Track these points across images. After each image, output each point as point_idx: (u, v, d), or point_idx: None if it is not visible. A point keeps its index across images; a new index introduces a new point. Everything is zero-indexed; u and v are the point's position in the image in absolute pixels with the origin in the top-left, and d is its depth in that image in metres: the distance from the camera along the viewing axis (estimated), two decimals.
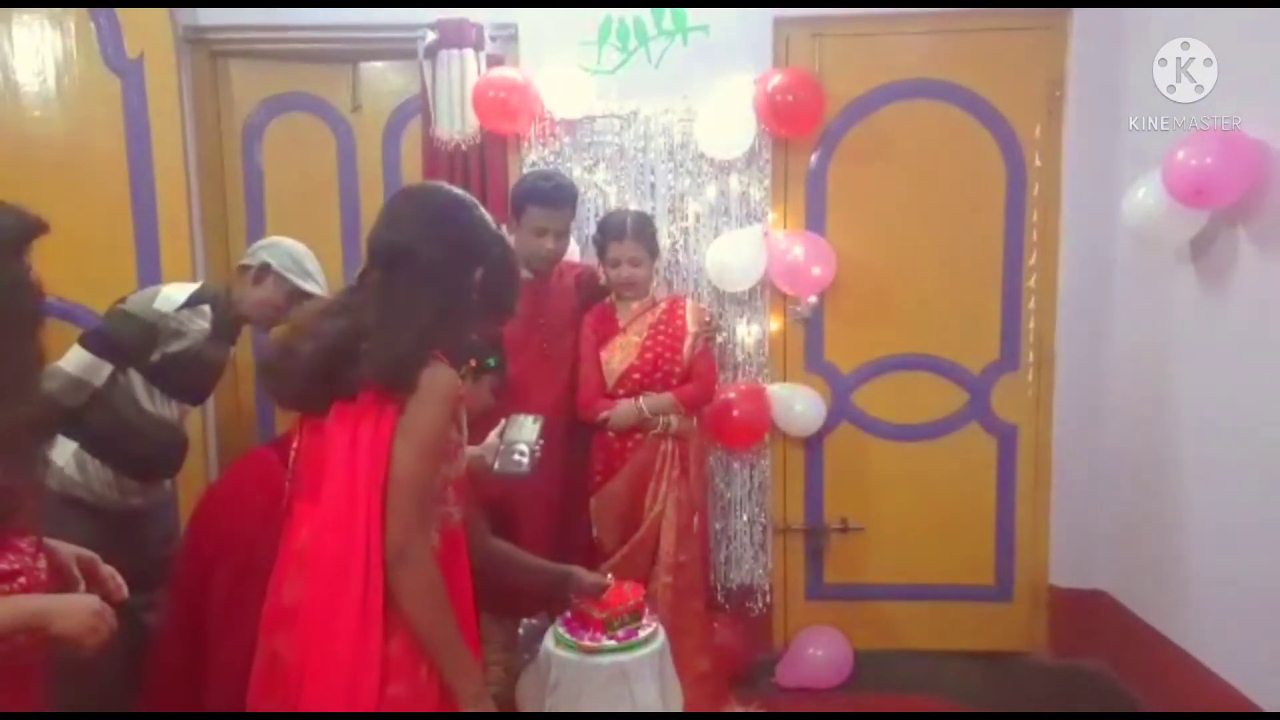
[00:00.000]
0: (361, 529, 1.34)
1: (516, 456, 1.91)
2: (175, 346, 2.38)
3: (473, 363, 2.17)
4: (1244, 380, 2.38)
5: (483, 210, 1.57)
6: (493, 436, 1.97)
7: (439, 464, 1.44)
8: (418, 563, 1.38)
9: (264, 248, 2.53)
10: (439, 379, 1.42)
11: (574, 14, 3.00)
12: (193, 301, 2.43)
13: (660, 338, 2.74)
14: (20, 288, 1.24)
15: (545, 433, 1.99)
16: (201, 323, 2.43)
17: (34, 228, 1.27)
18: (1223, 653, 2.48)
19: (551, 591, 2.35)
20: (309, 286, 2.50)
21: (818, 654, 3.03)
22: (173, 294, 2.42)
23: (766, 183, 3.07)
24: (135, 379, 2.37)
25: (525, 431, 1.97)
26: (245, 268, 2.51)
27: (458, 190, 1.60)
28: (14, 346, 1.24)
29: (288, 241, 2.56)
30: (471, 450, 1.87)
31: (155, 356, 2.36)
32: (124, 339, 2.34)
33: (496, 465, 1.92)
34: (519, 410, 2.64)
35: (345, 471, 1.36)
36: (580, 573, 2.32)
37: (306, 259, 2.54)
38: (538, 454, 1.94)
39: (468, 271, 1.50)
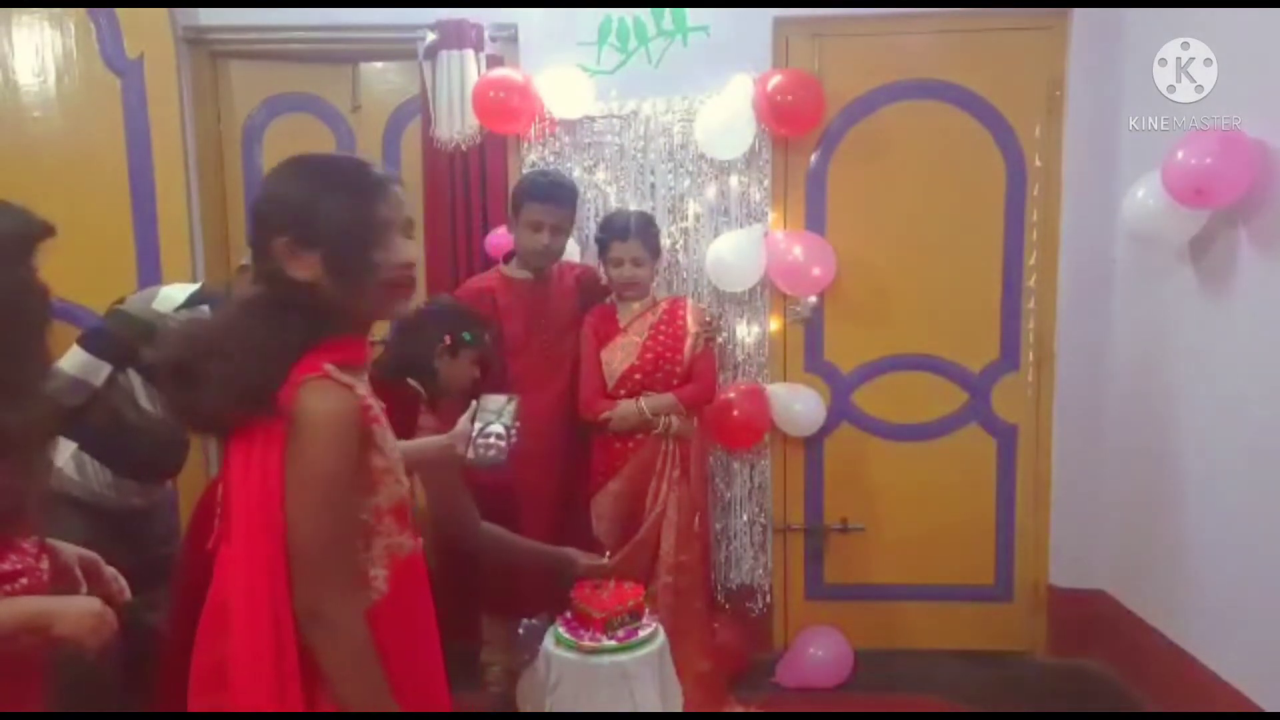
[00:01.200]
0: (263, 580, 1.16)
1: (492, 440, 1.75)
2: None
3: (447, 340, 2.16)
4: (1244, 380, 2.38)
5: (331, 163, 1.31)
6: (464, 422, 1.80)
7: (353, 504, 1.22)
8: (334, 628, 1.18)
9: None
10: (319, 405, 1.16)
11: (574, 14, 3.00)
12: (192, 302, 2.42)
13: (661, 338, 2.74)
14: (28, 291, 1.23)
15: (521, 413, 1.81)
16: None
17: (41, 230, 1.25)
18: (1223, 653, 2.48)
19: (550, 574, 2.35)
20: None
21: (818, 654, 3.03)
22: (172, 294, 2.42)
23: (766, 183, 3.07)
24: (134, 379, 2.37)
25: (499, 415, 1.79)
26: (245, 268, 2.52)
27: (307, 156, 1.32)
28: (22, 349, 1.23)
29: None
30: (436, 440, 1.80)
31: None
32: (123, 339, 2.34)
33: (470, 455, 1.76)
34: (523, 409, 2.66)
35: (242, 513, 1.18)
36: (576, 554, 2.33)
37: None
38: (514, 438, 1.78)
39: (307, 259, 1.21)
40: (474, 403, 1.83)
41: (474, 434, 1.78)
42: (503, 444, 1.76)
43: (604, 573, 2.31)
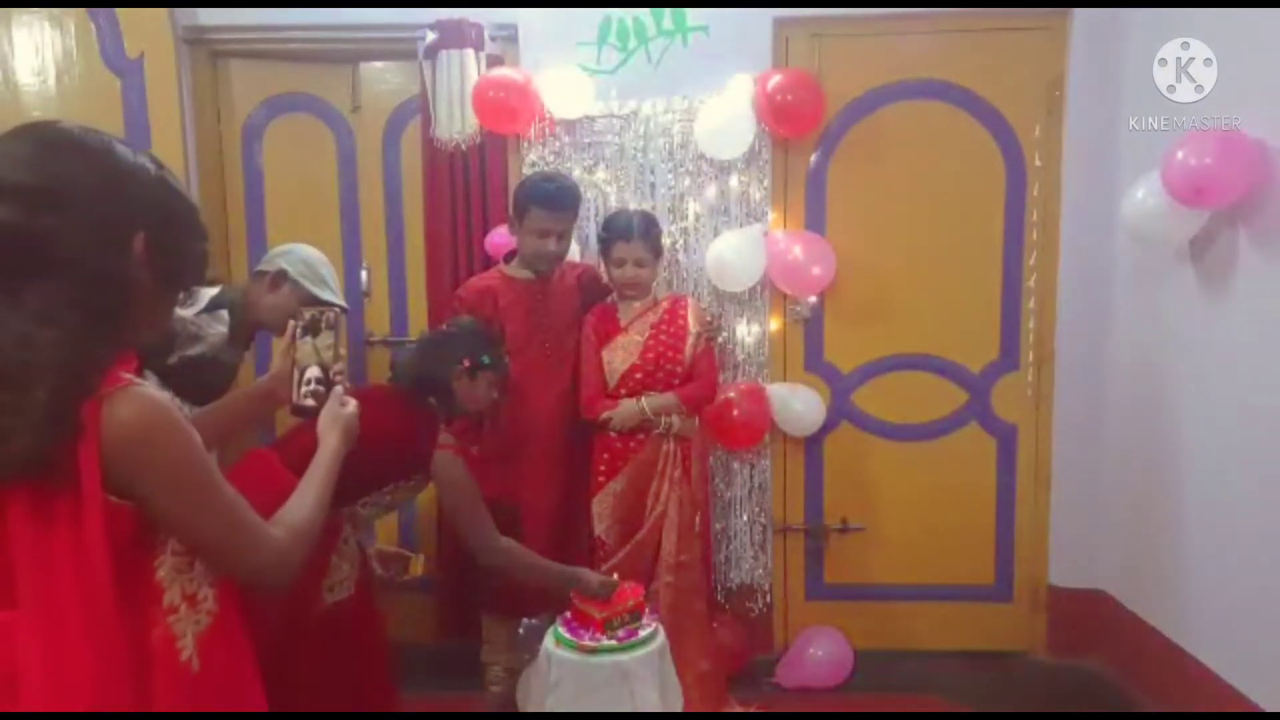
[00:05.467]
0: (71, 657, 0.98)
1: (314, 386, 1.47)
2: (192, 350, 2.39)
3: (465, 363, 2.16)
4: (1244, 380, 2.38)
5: (118, 145, 1.07)
6: (279, 359, 1.52)
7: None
8: (279, 582, 1.17)
9: (281, 254, 2.54)
10: (139, 408, 1.01)
11: (574, 14, 3.00)
12: (211, 306, 2.44)
13: (662, 337, 2.74)
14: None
15: (340, 337, 1.51)
16: (219, 327, 2.44)
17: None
18: (1223, 653, 2.48)
19: (558, 592, 2.36)
20: (325, 295, 2.51)
21: (818, 654, 3.03)
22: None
23: (766, 183, 3.07)
24: (151, 381, 2.37)
25: (318, 347, 1.49)
26: (261, 274, 2.53)
27: (71, 126, 1.06)
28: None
29: (304, 249, 2.57)
30: (254, 387, 1.57)
31: (172, 359, 2.37)
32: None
33: (293, 399, 1.49)
34: (524, 409, 2.66)
35: (39, 572, 0.98)
36: (587, 574, 2.33)
37: (322, 266, 2.55)
38: (336, 376, 1.48)
39: (122, 245, 1.04)
40: (290, 323, 1.52)
41: (295, 376, 1.50)
42: (321, 388, 1.46)
43: (613, 590, 2.31)
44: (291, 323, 1.51)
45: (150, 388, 1.05)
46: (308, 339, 1.49)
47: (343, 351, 1.49)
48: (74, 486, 0.97)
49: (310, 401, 1.46)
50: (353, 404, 1.45)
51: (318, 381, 1.47)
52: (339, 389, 1.46)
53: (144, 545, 1.08)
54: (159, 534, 1.08)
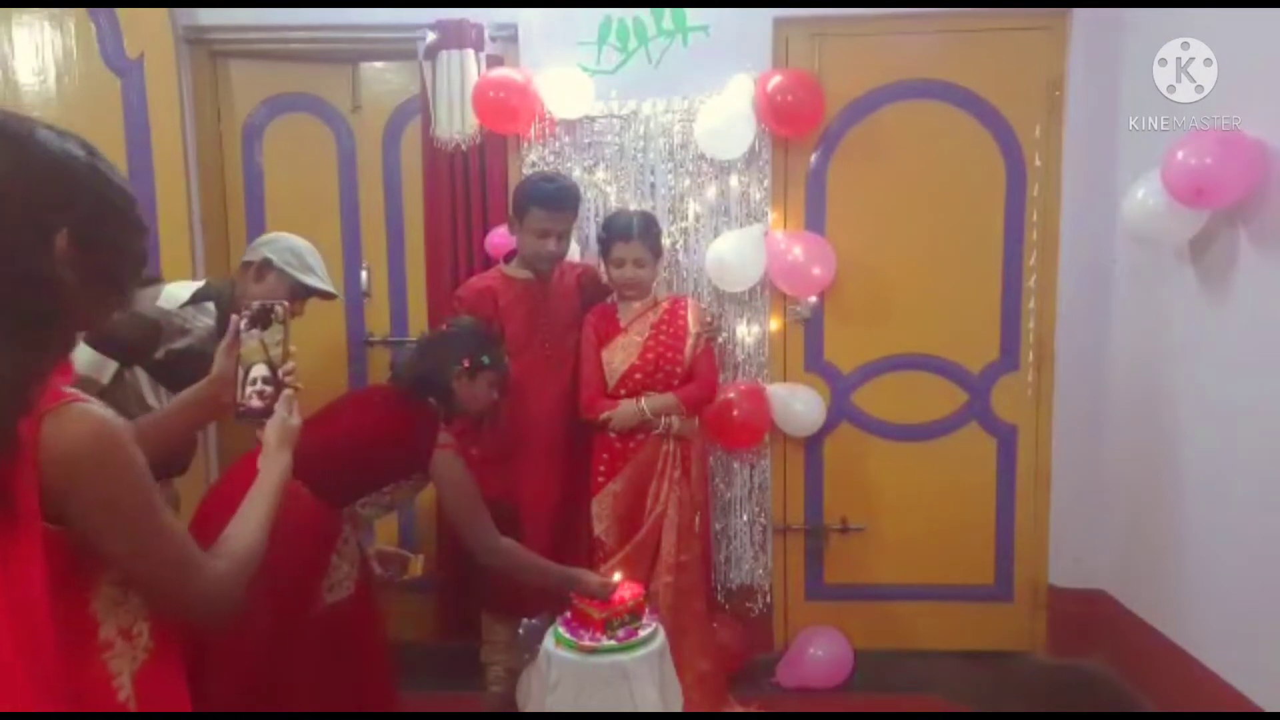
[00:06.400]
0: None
1: (260, 386, 1.34)
2: (180, 344, 2.38)
3: (465, 363, 2.16)
4: (1244, 380, 2.38)
5: (41, 130, 0.96)
6: (221, 358, 1.39)
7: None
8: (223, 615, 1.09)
9: (265, 243, 2.53)
10: (88, 429, 0.94)
11: (574, 14, 3.00)
12: (197, 298, 2.43)
13: (662, 338, 2.74)
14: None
15: (289, 332, 1.36)
16: (206, 320, 2.43)
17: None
18: (1223, 653, 2.48)
19: (558, 592, 2.36)
20: (311, 281, 2.51)
21: (818, 654, 3.03)
22: (176, 291, 2.43)
23: (766, 183, 3.07)
24: (141, 377, 2.37)
25: (266, 343, 1.36)
26: (247, 264, 2.52)
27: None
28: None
29: (289, 237, 2.56)
30: (196, 390, 1.44)
31: (160, 354, 2.36)
32: (129, 336, 2.34)
33: (238, 399, 1.36)
34: (524, 409, 2.67)
35: None
36: (587, 575, 2.33)
37: (308, 254, 2.54)
38: (286, 377, 1.34)
39: (42, 242, 0.93)
40: (234, 317, 1.39)
41: (239, 375, 1.37)
42: (269, 389, 1.33)
43: (612, 591, 2.32)
44: (235, 316, 1.38)
45: (96, 405, 0.97)
46: (255, 333, 1.36)
47: (293, 349, 1.35)
48: (8, 512, 0.89)
49: (256, 402, 1.33)
50: (298, 416, 1.34)
51: (264, 381, 1.33)
52: (289, 393, 1.33)
53: (79, 575, 0.99)
54: (93, 563, 0.99)
